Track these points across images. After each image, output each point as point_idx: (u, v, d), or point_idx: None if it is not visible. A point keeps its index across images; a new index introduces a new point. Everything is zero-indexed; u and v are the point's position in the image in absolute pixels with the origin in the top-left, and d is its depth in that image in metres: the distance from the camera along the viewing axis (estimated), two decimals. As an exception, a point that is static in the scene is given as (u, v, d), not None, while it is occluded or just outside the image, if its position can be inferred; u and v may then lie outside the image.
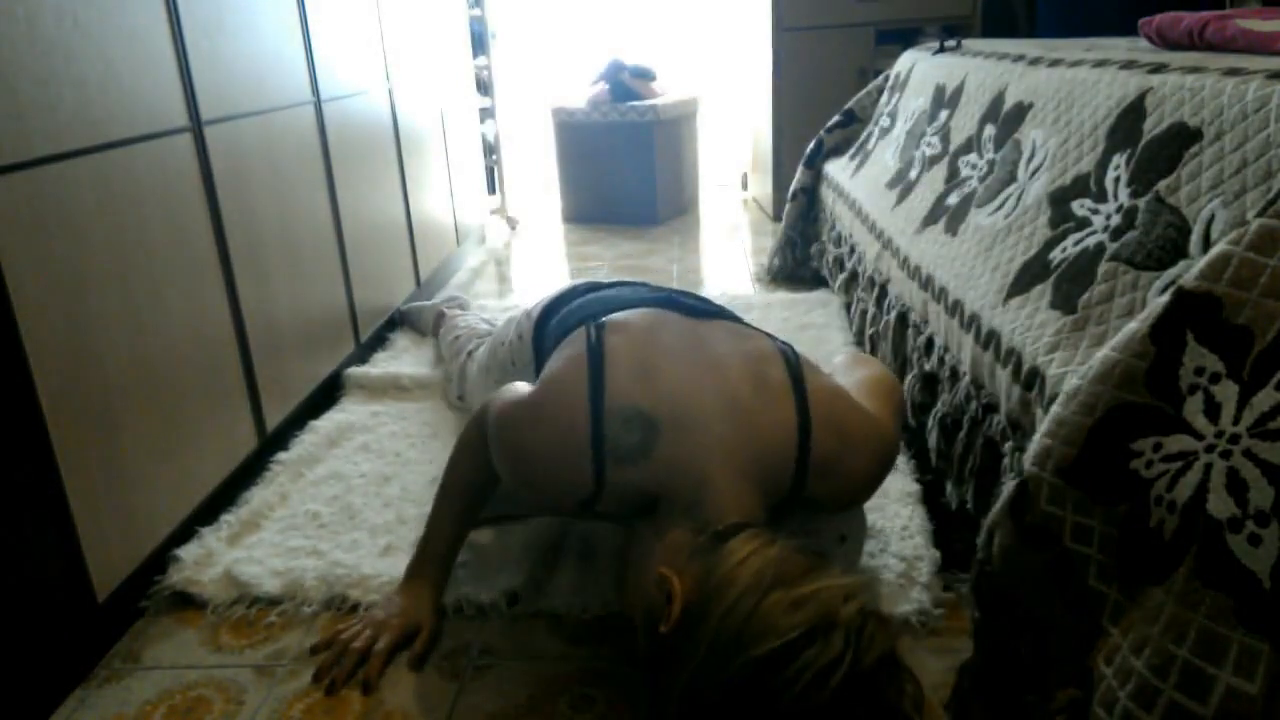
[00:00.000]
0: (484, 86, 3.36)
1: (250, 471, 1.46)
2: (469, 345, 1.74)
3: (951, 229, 1.45)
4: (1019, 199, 1.28)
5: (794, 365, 1.03)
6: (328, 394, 1.81)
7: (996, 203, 1.35)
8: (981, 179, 1.47)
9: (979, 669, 0.86)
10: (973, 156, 1.56)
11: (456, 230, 2.83)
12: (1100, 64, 1.25)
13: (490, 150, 3.45)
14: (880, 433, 1.04)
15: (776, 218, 3.05)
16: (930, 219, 1.57)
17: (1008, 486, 0.82)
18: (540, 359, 1.31)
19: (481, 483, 1.14)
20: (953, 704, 0.89)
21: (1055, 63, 1.40)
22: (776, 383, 1.00)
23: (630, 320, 1.08)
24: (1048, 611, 0.78)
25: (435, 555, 1.14)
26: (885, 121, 2.29)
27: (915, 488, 1.35)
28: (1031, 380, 1.00)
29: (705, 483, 0.91)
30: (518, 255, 3.17)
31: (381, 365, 1.97)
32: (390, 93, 2.23)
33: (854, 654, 0.70)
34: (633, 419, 0.94)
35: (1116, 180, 1.06)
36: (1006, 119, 1.47)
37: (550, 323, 1.29)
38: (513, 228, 3.53)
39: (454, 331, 1.88)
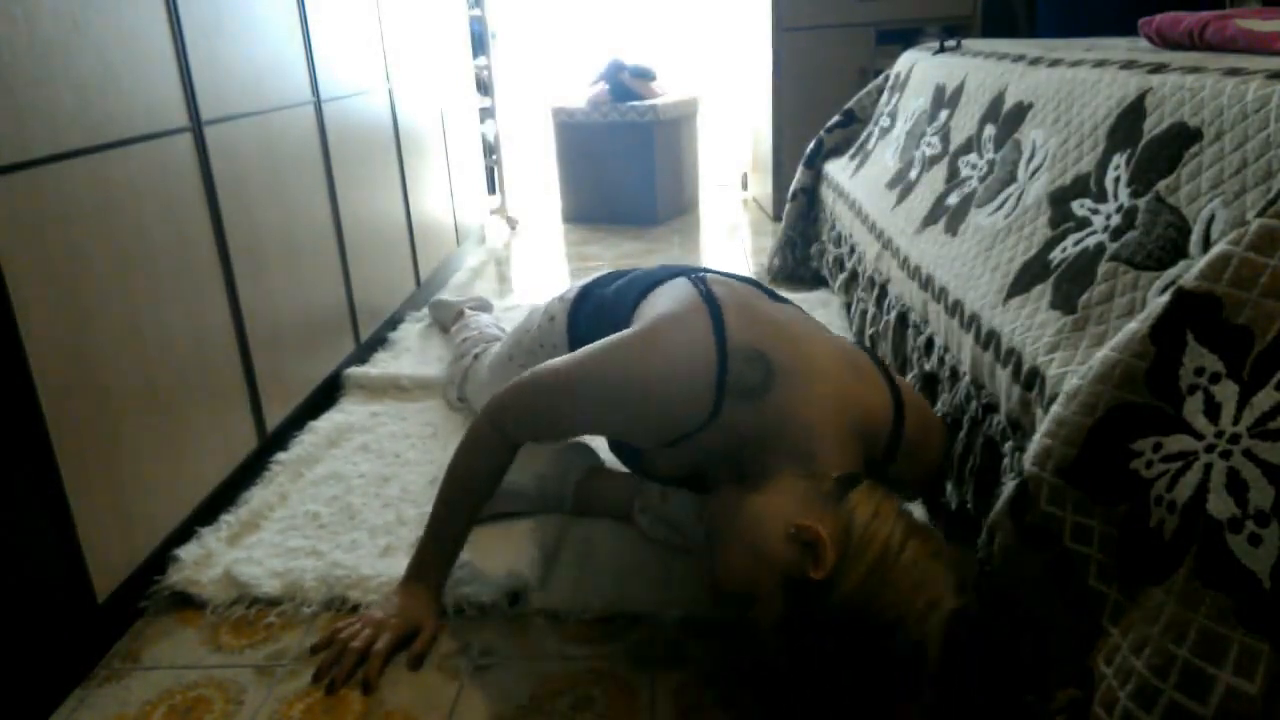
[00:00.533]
0: (484, 86, 3.36)
1: (250, 472, 1.46)
2: (476, 348, 1.74)
3: (951, 229, 1.45)
4: (1019, 199, 1.28)
5: (874, 355, 1.11)
6: (327, 394, 1.81)
7: (996, 203, 1.35)
8: (981, 179, 1.47)
9: (979, 669, 0.86)
10: (973, 156, 1.56)
11: (456, 230, 2.83)
12: (1100, 64, 1.24)
13: (490, 150, 3.45)
14: (943, 427, 1.14)
15: (776, 218, 3.05)
16: (930, 219, 1.57)
17: (1008, 486, 0.82)
18: (576, 340, 1.32)
19: (485, 481, 1.14)
20: (953, 704, 0.89)
21: (1055, 63, 1.40)
22: (866, 365, 1.07)
23: (724, 278, 1.14)
24: (1048, 611, 0.78)
25: (436, 555, 1.14)
26: (885, 121, 2.29)
27: (915, 488, 1.35)
28: (1031, 380, 0.99)
29: (814, 432, 0.95)
30: (518, 255, 3.17)
31: (381, 365, 1.97)
32: (390, 93, 2.23)
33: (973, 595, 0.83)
34: (755, 358, 0.98)
35: (1116, 180, 1.06)
36: (1006, 119, 1.47)
37: (594, 299, 1.32)
38: (513, 228, 3.53)
39: (465, 332, 1.88)
